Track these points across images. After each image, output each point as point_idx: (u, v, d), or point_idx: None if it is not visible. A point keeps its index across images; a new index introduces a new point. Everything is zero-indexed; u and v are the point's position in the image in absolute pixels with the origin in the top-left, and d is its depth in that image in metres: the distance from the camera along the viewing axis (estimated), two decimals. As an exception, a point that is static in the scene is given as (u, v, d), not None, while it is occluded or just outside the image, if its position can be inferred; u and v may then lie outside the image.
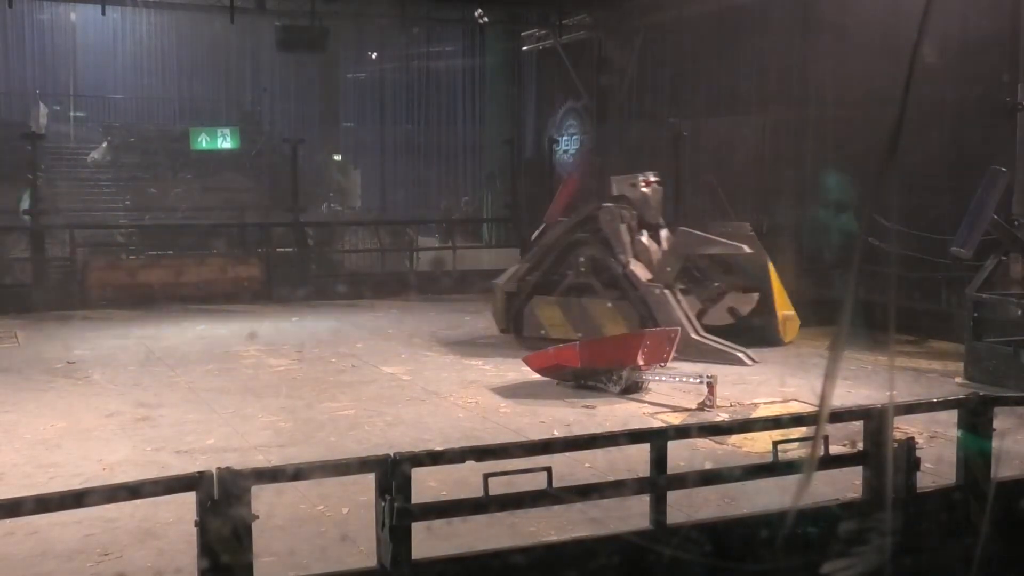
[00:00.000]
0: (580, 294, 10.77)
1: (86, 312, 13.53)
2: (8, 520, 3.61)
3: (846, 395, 7.80)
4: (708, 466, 5.69)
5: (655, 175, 11.35)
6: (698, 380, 8.16)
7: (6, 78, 20.44)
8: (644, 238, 10.89)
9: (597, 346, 8.84)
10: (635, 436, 4.41)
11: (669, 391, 8.42)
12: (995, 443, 4.52)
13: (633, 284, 10.45)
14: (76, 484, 5.31)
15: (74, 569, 4.66)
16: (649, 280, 10.45)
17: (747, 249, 10.58)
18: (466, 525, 4.26)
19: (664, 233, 11.11)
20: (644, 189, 11.04)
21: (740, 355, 9.84)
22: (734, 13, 14.73)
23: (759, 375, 9.30)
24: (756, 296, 10.71)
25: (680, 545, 3.99)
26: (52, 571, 4.63)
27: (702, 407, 7.88)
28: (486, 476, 3.71)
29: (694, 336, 10.05)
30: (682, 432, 5.04)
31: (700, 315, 10.50)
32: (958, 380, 8.86)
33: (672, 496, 4.15)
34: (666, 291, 10.29)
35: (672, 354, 8.83)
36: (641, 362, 8.43)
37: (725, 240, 10.51)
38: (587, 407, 7.96)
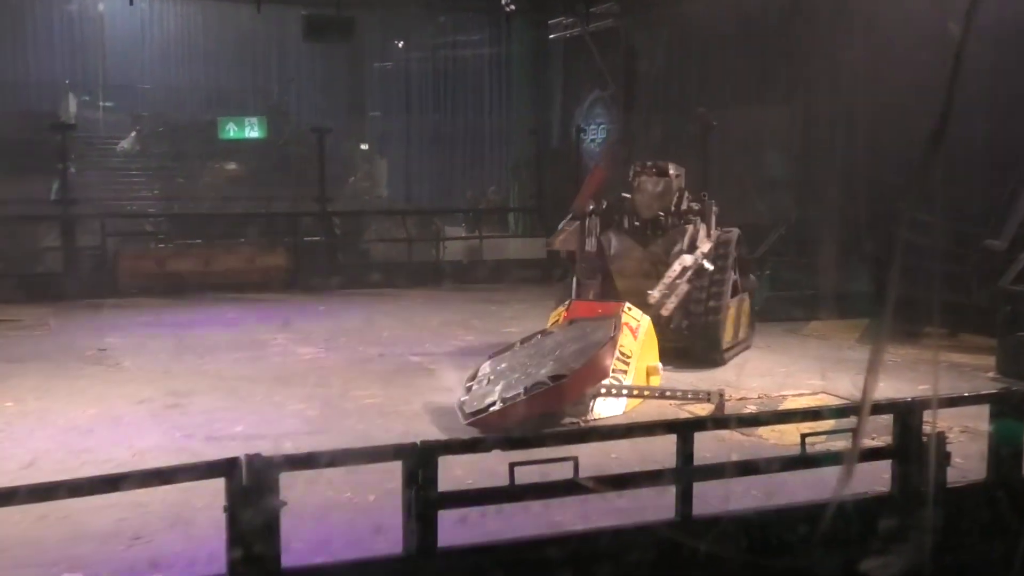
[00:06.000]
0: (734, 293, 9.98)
1: (117, 300, 13.66)
2: (42, 504, 3.65)
3: (875, 388, 7.71)
4: (735, 458, 5.66)
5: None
6: (706, 397, 7.19)
7: (36, 69, 20.66)
8: None
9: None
10: (663, 427, 4.41)
11: (694, 381, 8.38)
12: (1027, 438, 4.47)
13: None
14: (108, 469, 5.37)
15: (107, 552, 4.72)
16: None
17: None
18: (492, 515, 4.26)
19: None
20: None
21: None
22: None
23: (785, 367, 9.25)
24: None
25: (706, 537, 3.98)
26: (85, 554, 4.69)
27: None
28: (512, 465, 3.72)
29: None
30: (710, 423, 5.01)
31: None
32: (990, 374, 8.77)
33: (696, 487, 4.14)
34: None
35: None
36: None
37: None
38: (613, 398, 7.91)
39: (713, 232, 9.95)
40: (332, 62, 22.11)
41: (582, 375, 7.11)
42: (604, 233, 10.05)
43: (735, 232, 10.03)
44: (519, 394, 6.84)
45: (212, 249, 15.56)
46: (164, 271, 14.82)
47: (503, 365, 7.64)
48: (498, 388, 7.09)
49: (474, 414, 6.82)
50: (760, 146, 14.37)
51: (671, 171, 10.15)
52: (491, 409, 6.80)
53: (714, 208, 10.11)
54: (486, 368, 7.70)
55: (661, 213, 10.00)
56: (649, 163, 10.30)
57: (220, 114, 20.43)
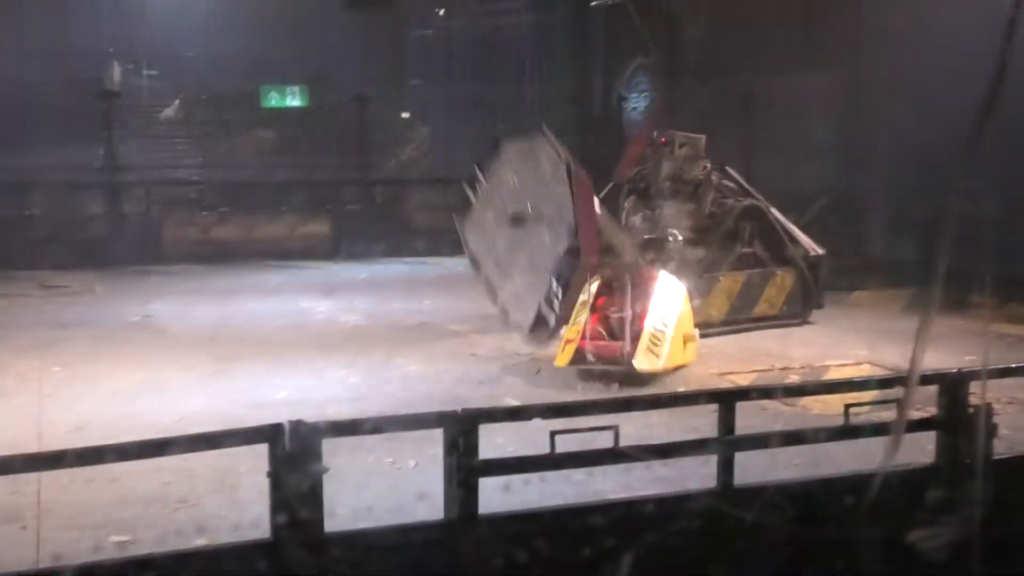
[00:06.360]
0: (749, 266, 9.89)
1: (161, 267, 13.86)
2: (90, 467, 3.72)
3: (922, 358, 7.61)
4: (777, 428, 5.62)
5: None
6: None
7: (81, 37, 20.83)
8: None
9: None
10: (704, 396, 4.38)
11: (735, 350, 8.32)
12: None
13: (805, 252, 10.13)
14: (154, 434, 5.44)
15: (153, 515, 4.81)
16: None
17: None
18: (536, 482, 4.27)
19: None
20: None
21: None
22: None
23: (829, 337, 9.14)
24: None
25: (748, 507, 3.96)
26: (131, 517, 4.78)
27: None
28: (553, 433, 3.73)
29: None
30: (752, 393, 4.98)
31: None
32: (1038, 345, 8.62)
33: (738, 457, 4.11)
34: None
35: None
36: None
37: None
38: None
39: (709, 203, 9.76)
40: (373, 30, 22.03)
41: (586, 232, 7.63)
42: (624, 201, 10.04)
43: (742, 204, 9.83)
44: (552, 288, 7.51)
45: (255, 217, 15.71)
46: (208, 238, 15.01)
47: (494, 242, 8.24)
48: (524, 282, 7.75)
49: (533, 329, 7.61)
50: (805, 113, 14.13)
51: (678, 141, 9.98)
52: (548, 322, 7.59)
53: (713, 178, 9.90)
54: (475, 248, 8.39)
55: (668, 183, 9.84)
56: (660, 132, 10.17)
57: (262, 82, 20.49)
